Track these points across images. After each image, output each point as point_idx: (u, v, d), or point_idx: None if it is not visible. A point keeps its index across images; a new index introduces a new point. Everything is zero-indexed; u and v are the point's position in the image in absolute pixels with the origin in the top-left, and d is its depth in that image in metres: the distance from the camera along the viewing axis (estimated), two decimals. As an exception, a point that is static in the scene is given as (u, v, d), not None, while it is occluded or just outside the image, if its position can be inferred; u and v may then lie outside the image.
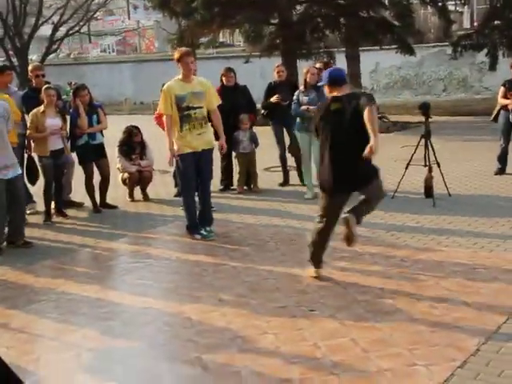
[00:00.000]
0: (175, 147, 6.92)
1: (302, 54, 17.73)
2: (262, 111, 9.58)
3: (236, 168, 9.49)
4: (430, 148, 8.27)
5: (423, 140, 8.33)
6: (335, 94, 5.48)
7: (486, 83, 21.29)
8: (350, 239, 5.52)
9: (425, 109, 8.30)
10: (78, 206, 8.92)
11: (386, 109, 17.05)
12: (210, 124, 7.33)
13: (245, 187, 9.37)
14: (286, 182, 9.66)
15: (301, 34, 17.29)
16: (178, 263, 6.36)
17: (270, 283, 5.65)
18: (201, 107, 7.05)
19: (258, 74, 21.88)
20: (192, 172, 7.01)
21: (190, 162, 6.97)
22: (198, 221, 7.18)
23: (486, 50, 18.02)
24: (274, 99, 9.16)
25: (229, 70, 9.31)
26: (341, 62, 16.73)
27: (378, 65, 22.41)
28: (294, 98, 8.62)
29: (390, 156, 11.57)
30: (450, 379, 3.85)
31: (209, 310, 5.11)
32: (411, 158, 8.40)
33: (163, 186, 9.92)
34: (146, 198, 9.19)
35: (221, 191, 9.37)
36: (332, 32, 17.98)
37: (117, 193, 9.36)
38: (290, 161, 9.68)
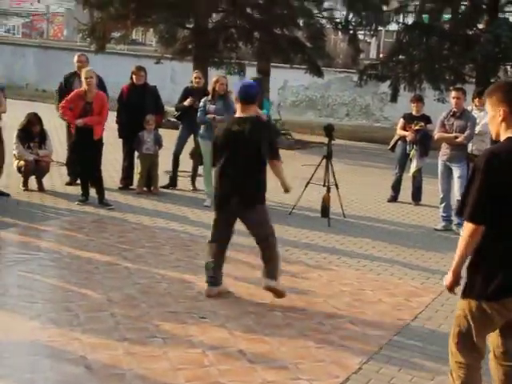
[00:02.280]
0: None
1: (213, 61, 17.78)
2: (175, 112, 9.54)
3: (137, 168, 9.36)
4: (330, 169, 8.50)
5: (324, 160, 8.56)
6: (241, 113, 5.37)
7: (387, 113, 22.11)
8: (281, 296, 5.47)
9: (329, 130, 8.54)
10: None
11: (290, 126, 17.35)
12: None
13: (144, 188, 9.25)
14: (171, 185, 9.63)
15: (214, 42, 17.36)
16: (69, 259, 6.17)
17: (162, 287, 5.60)
18: None
19: (168, 77, 21.75)
20: None
21: None
22: None
23: (388, 82, 18.77)
24: (187, 102, 9.14)
25: (140, 68, 9.20)
26: (251, 75, 16.92)
27: (287, 82, 22.79)
28: (201, 105, 8.61)
29: (291, 173, 11.75)
30: (331, 395, 3.95)
31: (97, 309, 5.00)
32: (311, 176, 8.60)
33: (60, 177, 9.62)
34: (40, 188, 8.86)
35: (120, 190, 9.20)
36: (245, 44, 18.18)
37: (10, 180, 8.98)
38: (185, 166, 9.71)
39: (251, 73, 17.68)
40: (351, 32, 16.11)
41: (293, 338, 4.76)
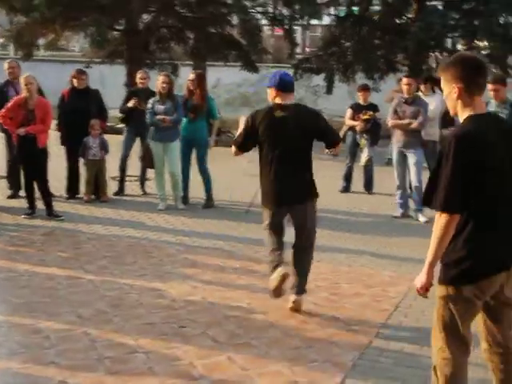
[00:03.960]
0: None
1: (145, 63, 17.40)
2: (119, 115, 9.17)
3: (83, 175, 8.95)
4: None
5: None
6: (280, 100, 4.99)
7: (321, 105, 22.11)
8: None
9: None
10: None
11: (229, 124, 17.14)
12: None
13: (92, 196, 8.85)
14: (120, 191, 9.28)
15: (145, 43, 17.00)
16: (27, 276, 5.75)
17: (133, 298, 5.29)
18: None
19: (97, 81, 21.13)
20: None
21: None
22: None
23: (322, 75, 18.82)
24: (131, 103, 8.80)
25: (81, 72, 8.81)
26: (186, 75, 16.63)
27: (219, 80, 22.55)
28: (149, 106, 8.32)
29: (237, 170, 11.58)
30: (332, 397, 3.78)
31: (68, 328, 4.66)
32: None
33: (0, 191, 9.10)
34: (-19, 204, 8.36)
35: (67, 199, 8.77)
36: (177, 44, 17.89)
37: None
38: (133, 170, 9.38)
39: (185, 72, 17.40)
40: (287, 27, 16.03)
41: (279, 339, 4.57)
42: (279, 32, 19.01)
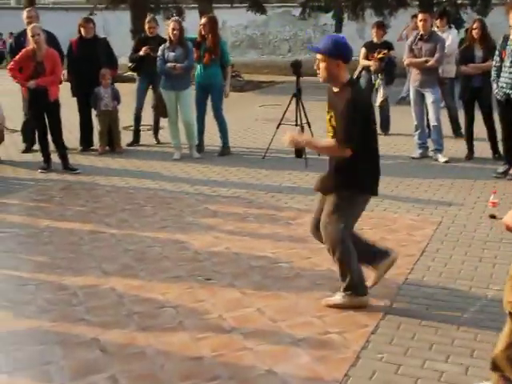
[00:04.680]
0: None
1: (150, 8, 17.07)
2: (129, 64, 8.99)
3: (96, 127, 8.85)
4: (301, 107, 8.19)
5: (294, 99, 8.23)
6: None
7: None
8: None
9: (296, 67, 8.18)
10: None
11: (238, 68, 16.86)
12: None
13: (107, 147, 8.76)
14: (135, 142, 9.17)
15: (149, -13, 16.66)
16: (49, 232, 5.71)
17: (156, 251, 5.25)
18: None
19: (102, 29, 20.77)
20: None
21: None
22: None
23: (331, 13, 18.42)
24: (142, 51, 8.61)
25: (88, 20, 8.61)
26: (192, 18, 16.29)
27: (225, 23, 22.12)
28: (159, 53, 8.13)
29: (249, 115, 11.43)
30: (366, 346, 3.75)
31: (95, 283, 4.63)
32: (283, 117, 8.29)
33: (14, 146, 9.03)
34: (-4, 159, 8.29)
35: (81, 152, 8.69)
36: (182, -13, 17.52)
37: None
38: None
39: (192, 16, 17.04)
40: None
41: (307, 289, 4.53)
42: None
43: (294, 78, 8.27)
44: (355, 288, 4.19)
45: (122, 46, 17.43)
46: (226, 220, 5.99)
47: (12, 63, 7.52)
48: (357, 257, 4.17)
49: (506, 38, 7.02)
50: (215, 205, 6.45)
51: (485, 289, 4.44)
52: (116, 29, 21.08)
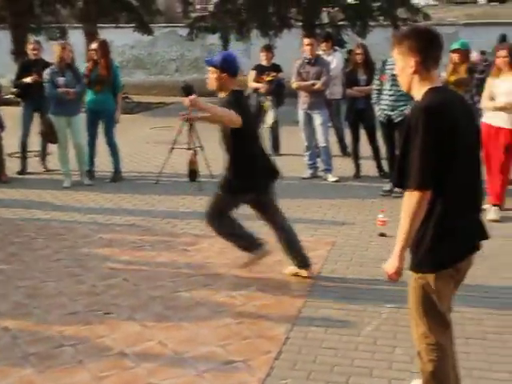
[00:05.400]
0: None
1: (31, 28, 16.61)
2: (13, 90, 8.65)
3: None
4: (194, 130, 8.21)
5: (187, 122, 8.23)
6: None
7: (217, 65, 22.02)
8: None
9: (188, 89, 8.16)
10: None
11: (126, 89, 16.66)
12: None
13: (-10, 177, 8.39)
14: (24, 170, 8.86)
15: (29, 8, 16.21)
16: None
17: (50, 286, 5.07)
18: None
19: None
20: None
21: None
22: None
23: (218, 34, 18.60)
24: (31, 79, 8.31)
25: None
26: (76, 39, 15.96)
27: (112, 43, 21.79)
28: (47, 78, 7.90)
29: (140, 138, 11.35)
30: (270, 373, 3.79)
31: (-15, 325, 4.42)
32: (175, 140, 8.28)
33: None
34: None
35: (-37, 182, 8.28)
36: (63, 7, 17.16)
37: None
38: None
39: (75, 36, 16.68)
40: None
41: (208, 317, 4.52)
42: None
43: (179, 99, 8.27)
44: (249, 248, 5.15)
45: (2, 67, 16.82)
46: (121, 250, 5.89)
47: None
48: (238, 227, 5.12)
49: (384, 63, 7.40)
50: (110, 234, 6.33)
51: (379, 307, 4.61)
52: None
